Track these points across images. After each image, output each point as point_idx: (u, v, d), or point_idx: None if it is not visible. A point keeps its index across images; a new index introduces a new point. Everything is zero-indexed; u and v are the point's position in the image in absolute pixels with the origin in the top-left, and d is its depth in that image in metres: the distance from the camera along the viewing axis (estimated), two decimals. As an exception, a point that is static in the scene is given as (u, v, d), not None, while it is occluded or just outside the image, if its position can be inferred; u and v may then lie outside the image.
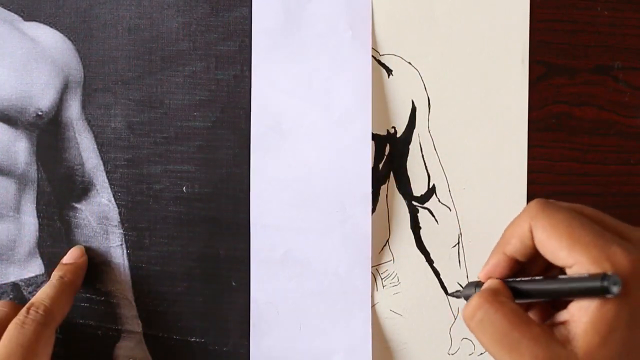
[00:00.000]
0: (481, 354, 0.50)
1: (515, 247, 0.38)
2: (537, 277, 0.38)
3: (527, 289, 0.37)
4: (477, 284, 0.41)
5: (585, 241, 0.34)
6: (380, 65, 0.49)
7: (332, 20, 0.49)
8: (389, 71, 0.49)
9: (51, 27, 0.49)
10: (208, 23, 0.49)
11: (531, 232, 0.37)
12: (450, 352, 0.50)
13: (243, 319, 0.50)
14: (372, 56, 0.49)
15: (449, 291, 0.50)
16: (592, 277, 0.33)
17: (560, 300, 0.38)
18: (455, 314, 0.50)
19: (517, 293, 0.38)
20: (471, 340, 0.50)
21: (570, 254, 0.34)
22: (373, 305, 0.50)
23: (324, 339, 0.49)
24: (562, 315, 0.36)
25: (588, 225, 0.35)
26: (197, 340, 0.50)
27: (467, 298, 0.41)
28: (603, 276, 0.33)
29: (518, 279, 0.39)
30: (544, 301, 0.39)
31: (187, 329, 0.50)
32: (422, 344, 0.50)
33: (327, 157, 0.49)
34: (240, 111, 0.49)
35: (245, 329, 0.50)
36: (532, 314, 0.40)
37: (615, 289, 0.33)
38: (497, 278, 0.39)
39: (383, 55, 0.49)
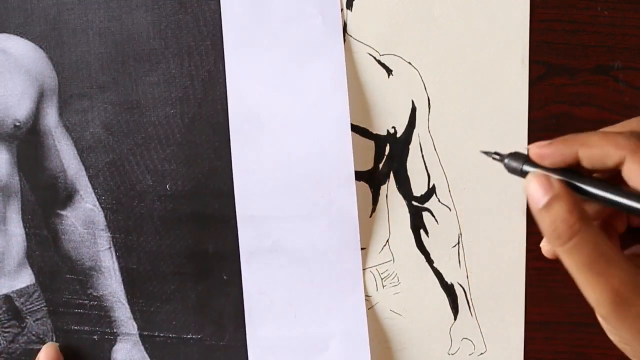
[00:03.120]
0: (481, 354, 0.50)
1: (593, 155, 0.36)
2: (604, 181, 0.36)
3: (595, 194, 0.35)
4: (527, 160, 0.37)
5: None
6: (380, 65, 0.49)
7: (301, 7, 0.49)
8: (389, 71, 0.49)
9: (21, 37, 0.49)
10: (178, 20, 0.49)
11: (622, 160, 0.35)
12: (450, 352, 0.50)
13: (237, 312, 0.50)
14: (372, 56, 0.49)
15: (448, 283, 0.50)
16: None
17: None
18: (456, 314, 0.50)
19: (579, 191, 0.36)
20: (471, 341, 0.50)
21: None
22: (373, 306, 0.50)
23: (320, 324, 0.50)
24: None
25: None
26: (194, 336, 0.50)
27: (508, 167, 0.38)
28: None
29: (578, 177, 0.36)
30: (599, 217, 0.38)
31: (183, 326, 0.50)
32: (422, 344, 0.50)
33: (308, 143, 0.49)
34: (217, 105, 0.49)
35: (240, 321, 0.50)
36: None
37: None
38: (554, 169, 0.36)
39: (383, 55, 0.49)
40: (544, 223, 0.35)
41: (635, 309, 0.34)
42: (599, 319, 0.37)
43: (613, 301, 0.34)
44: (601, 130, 0.37)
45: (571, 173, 0.36)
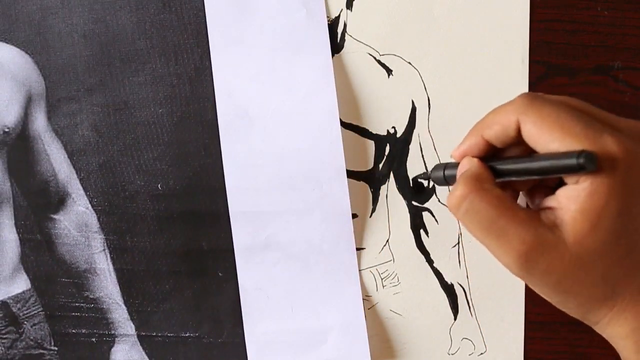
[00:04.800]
0: (481, 354, 0.50)
1: (496, 133, 0.38)
2: (515, 157, 0.38)
3: (507, 169, 0.37)
4: (447, 166, 0.41)
5: (575, 132, 0.34)
6: (380, 65, 0.50)
7: (284, 1, 0.49)
8: (389, 71, 0.50)
9: (7, 43, 0.49)
10: (162, 19, 0.49)
11: (517, 124, 0.36)
12: (450, 352, 0.50)
13: (234, 309, 0.50)
14: (372, 56, 0.49)
15: (448, 283, 0.50)
16: (569, 154, 0.33)
17: (543, 187, 0.38)
18: (456, 314, 0.50)
19: (496, 173, 0.37)
20: (471, 341, 0.50)
21: (562, 145, 0.34)
22: (373, 306, 0.50)
23: (318, 317, 0.50)
24: (549, 202, 0.36)
25: (577, 116, 0.35)
26: (191, 335, 0.50)
27: (436, 180, 0.42)
28: (580, 152, 0.33)
29: (497, 160, 0.38)
30: (526, 186, 0.39)
31: (180, 325, 0.50)
32: (422, 344, 0.50)
33: (297, 137, 0.49)
34: (205, 102, 0.49)
35: (238, 317, 0.50)
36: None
37: (590, 165, 0.32)
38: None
39: (383, 55, 0.49)
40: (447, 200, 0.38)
41: (541, 265, 0.35)
42: None
43: (517, 261, 0.35)
44: (492, 110, 0.38)
45: (495, 162, 0.38)
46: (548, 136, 0.35)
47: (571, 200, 0.34)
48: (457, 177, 0.38)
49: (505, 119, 0.37)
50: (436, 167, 0.42)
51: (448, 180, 0.41)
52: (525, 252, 0.35)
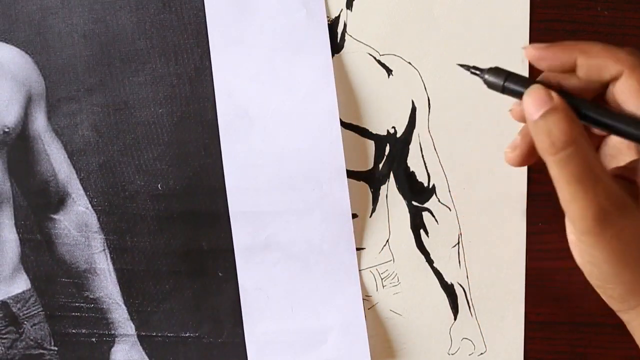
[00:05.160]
0: (481, 354, 0.50)
1: (590, 67, 0.36)
2: (600, 106, 0.36)
3: (596, 118, 0.35)
4: (511, 76, 0.37)
5: None
6: (380, 65, 0.49)
7: (284, 0, 0.49)
8: (389, 71, 0.49)
9: (7, 43, 0.49)
10: (162, 19, 0.49)
11: (619, 74, 0.35)
12: (450, 352, 0.50)
13: (234, 308, 0.50)
14: (372, 56, 0.49)
15: (448, 283, 0.50)
16: None
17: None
18: (456, 314, 0.50)
19: (583, 117, 0.35)
20: (471, 341, 0.50)
21: None
22: (373, 306, 0.50)
23: (318, 317, 0.50)
24: (623, 171, 0.36)
25: None
26: (191, 335, 0.50)
27: (489, 84, 0.38)
28: None
29: (594, 104, 0.36)
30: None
31: (180, 325, 0.50)
32: (422, 344, 0.50)
33: (297, 137, 0.49)
34: (205, 103, 0.49)
35: (238, 317, 0.50)
36: None
37: None
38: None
39: (383, 55, 0.49)
40: (539, 131, 0.35)
41: (616, 227, 0.34)
42: (572, 238, 0.36)
43: (596, 216, 0.34)
44: (600, 43, 0.36)
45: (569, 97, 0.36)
46: None
47: None
48: (548, 107, 0.35)
49: (611, 61, 0.35)
50: (495, 71, 0.38)
51: (506, 91, 0.38)
52: (606, 209, 0.34)
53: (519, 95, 0.37)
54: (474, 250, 0.50)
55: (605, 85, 0.36)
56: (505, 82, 0.37)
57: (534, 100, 0.35)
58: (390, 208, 0.50)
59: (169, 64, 0.49)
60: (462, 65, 0.40)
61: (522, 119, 0.37)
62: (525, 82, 0.36)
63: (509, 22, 0.49)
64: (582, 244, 0.35)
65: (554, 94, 0.35)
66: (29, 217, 0.50)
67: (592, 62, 0.36)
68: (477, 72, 0.39)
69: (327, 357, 0.50)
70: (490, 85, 0.38)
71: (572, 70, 0.36)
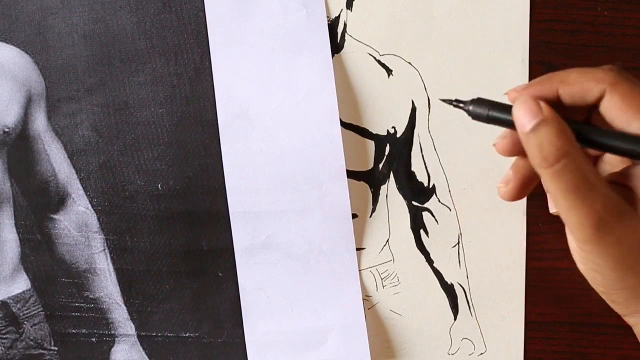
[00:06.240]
0: (481, 354, 0.50)
1: (573, 92, 0.36)
2: (591, 125, 0.36)
3: (598, 140, 0.36)
4: (493, 105, 0.38)
5: None
6: (380, 65, 0.50)
7: (284, 1, 0.49)
8: (389, 71, 0.50)
9: (7, 43, 0.49)
10: (162, 19, 0.49)
11: (601, 94, 0.35)
12: (450, 352, 0.50)
13: (234, 309, 0.50)
14: (372, 56, 0.49)
15: (448, 283, 0.50)
16: None
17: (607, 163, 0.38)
18: (456, 314, 0.50)
19: (582, 139, 0.36)
20: (471, 341, 0.50)
21: None
22: (373, 306, 0.50)
23: (318, 317, 0.50)
24: (618, 177, 0.36)
25: None
26: (191, 335, 0.50)
27: (473, 114, 0.38)
28: None
29: (584, 124, 0.37)
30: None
31: (180, 325, 0.50)
32: (422, 344, 0.50)
33: (297, 137, 0.49)
34: (205, 103, 0.49)
35: (238, 317, 0.50)
36: None
37: None
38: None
39: (383, 55, 0.49)
40: (531, 145, 0.35)
41: (615, 234, 0.34)
42: (573, 246, 0.37)
43: (594, 225, 0.34)
44: (576, 69, 0.37)
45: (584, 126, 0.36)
46: (633, 113, 0.34)
47: None
48: (538, 120, 0.35)
49: (591, 83, 0.36)
50: (478, 102, 0.38)
51: (490, 121, 0.38)
52: (604, 217, 0.34)
53: (504, 123, 0.37)
54: (474, 250, 0.50)
55: (593, 107, 0.36)
56: (489, 111, 0.38)
57: (525, 111, 0.35)
58: (390, 208, 0.50)
59: (169, 64, 0.49)
60: (444, 100, 0.40)
61: (507, 152, 0.39)
62: (509, 110, 0.37)
63: (509, 22, 0.49)
64: (583, 252, 0.36)
65: (543, 105, 0.35)
66: (29, 217, 0.50)
67: (573, 89, 0.36)
68: (460, 104, 0.39)
69: (327, 357, 0.50)
70: (475, 117, 0.38)
71: (556, 101, 0.37)
